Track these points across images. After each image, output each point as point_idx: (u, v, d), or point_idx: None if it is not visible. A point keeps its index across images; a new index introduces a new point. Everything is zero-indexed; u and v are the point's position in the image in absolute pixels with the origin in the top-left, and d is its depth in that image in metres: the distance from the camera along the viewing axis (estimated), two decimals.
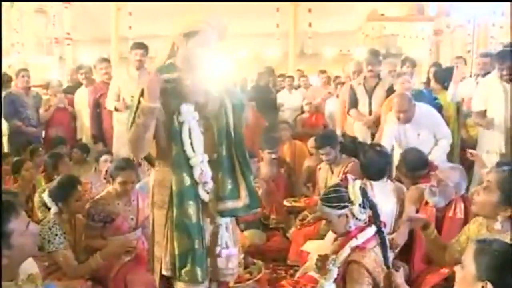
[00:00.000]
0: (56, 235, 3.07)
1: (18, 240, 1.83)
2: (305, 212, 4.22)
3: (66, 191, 3.21)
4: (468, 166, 4.46)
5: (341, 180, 2.70)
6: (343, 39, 13.47)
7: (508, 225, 2.25)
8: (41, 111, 6.04)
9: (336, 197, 2.58)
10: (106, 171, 3.50)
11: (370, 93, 5.20)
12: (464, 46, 9.08)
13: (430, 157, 4.26)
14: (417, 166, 3.70)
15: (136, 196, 3.46)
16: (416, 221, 2.89)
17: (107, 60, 5.98)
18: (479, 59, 5.35)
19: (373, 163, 3.58)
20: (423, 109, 4.47)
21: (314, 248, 3.43)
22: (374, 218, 2.61)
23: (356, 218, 2.56)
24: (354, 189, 2.57)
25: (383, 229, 2.65)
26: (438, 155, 4.33)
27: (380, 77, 5.28)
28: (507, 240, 2.17)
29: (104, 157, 4.73)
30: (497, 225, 2.28)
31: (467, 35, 8.97)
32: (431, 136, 4.39)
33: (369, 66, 5.19)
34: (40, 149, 5.14)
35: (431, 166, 3.96)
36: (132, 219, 3.37)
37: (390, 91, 5.12)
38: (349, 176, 2.66)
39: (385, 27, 12.17)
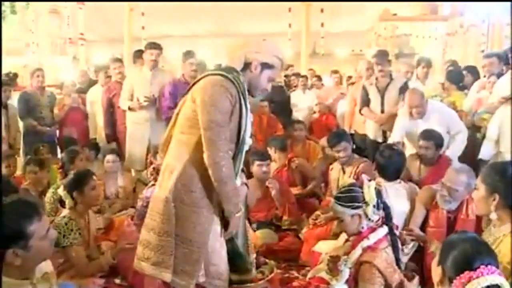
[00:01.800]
0: (72, 230, 3.11)
1: (37, 243, 1.84)
2: (318, 212, 4.22)
3: (81, 180, 3.29)
4: (474, 163, 4.50)
5: (356, 180, 2.70)
6: (355, 39, 13.42)
7: (506, 216, 2.26)
8: (55, 110, 6.10)
9: (351, 196, 2.59)
10: (154, 168, 3.52)
11: (382, 92, 5.23)
12: (478, 46, 8.99)
13: (447, 152, 4.28)
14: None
15: None
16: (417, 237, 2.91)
17: (120, 60, 6.04)
18: (485, 60, 5.33)
19: (391, 163, 3.57)
20: (435, 105, 4.51)
21: (326, 249, 3.43)
22: (387, 220, 2.61)
23: (369, 219, 2.56)
24: (369, 190, 2.57)
25: (395, 231, 2.64)
26: (456, 150, 4.37)
27: (392, 77, 5.30)
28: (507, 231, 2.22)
29: (108, 156, 4.77)
30: (493, 215, 2.30)
31: (481, 35, 8.89)
32: (444, 132, 4.37)
33: (379, 67, 5.21)
34: (41, 147, 5.23)
35: (444, 160, 3.96)
36: None
37: (403, 90, 5.13)
38: (365, 177, 2.66)
39: (398, 27, 12.07)
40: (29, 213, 1.84)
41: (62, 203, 3.32)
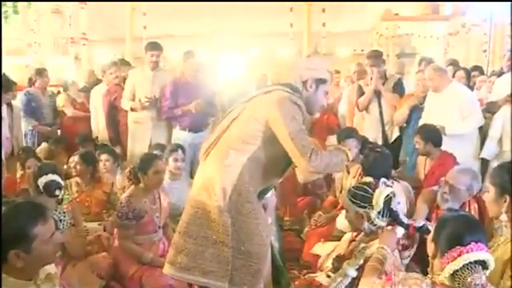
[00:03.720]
0: (65, 213, 3.13)
1: (40, 246, 1.81)
2: (319, 212, 4.23)
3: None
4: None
5: (374, 182, 2.69)
6: (357, 39, 13.41)
7: None
8: (69, 111, 6.06)
9: (361, 195, 2.60)
10: (130, 171, 3.48)
11: (378, 93, 5.19)
12: (480, 45, 8.98)
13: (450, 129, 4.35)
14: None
15: (159, 194, 3.47)
16: None
17: (115, 64, 5.90)
18: (509, 54, 5.34)
19: (376, 166, 3.56)
20: (458, 86, 4.62)
21: (324, 251, 3.42)
22: (403, 227, 2.59)
23: (372, 223, 2.56)
24: (380, 195, 2.56)
25: (420, 225, 2.63)
26: (458, 130, 4.44)
27: (386, 77, 5.30)
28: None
29: (102, 156, 4.63)
30: (503, 217, 2.35)
31: (483, 35, 8.87)
32: (456, 113, 4.45)
33: (374, 68, 5.18)
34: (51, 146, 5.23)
35: (446, 156, 4.02)
36: (157, 217, 3.39)
37: (397, 86, 5.18)
38: (382, 181, 2.66)
39: (400, 27, 12.06)
40: (34, 215, 1.82)
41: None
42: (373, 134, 5.25)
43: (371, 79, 5.24)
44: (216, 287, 2.45)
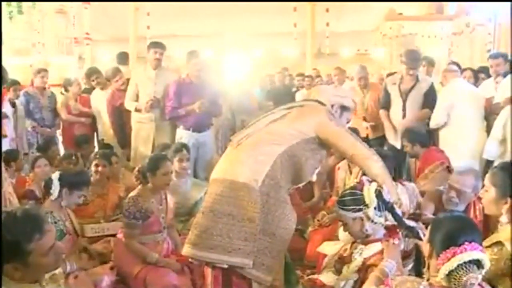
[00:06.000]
0: (56, 223, 3.08)
1: (37, 260, 1.77)
2: (323, 212, 4.22)
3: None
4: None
5: (358, 183, 2.70)
6: (361, 39, 13.41)
7: None
8: (63, 114, 6.05)
9: (351, 200, 2.59)
10: (139, 170, 3.44)
11: (405, 96, 4.98)
12: (484, 45, 8.95)
13: None
14: None
15: (165, 195, 3.48)
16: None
17: (119, 70, 5.86)
18: (491, 61, 5.15)
19: None
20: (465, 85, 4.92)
21: (330, 250, 3.41)
22: (396, 220, 2.59)
23: (372, 221, 2.55)
24: (369, 192, 2.56)
25: (411, 225, 2.63)
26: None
27: (418, 79, 5.02)
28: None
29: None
30: (503, 218, 2.37)
31: (488, 35, 8.84)
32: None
33: (410, 71, 4.92)
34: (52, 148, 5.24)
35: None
36: (163, 217, 3.39)
37: (428, 95, 4.93)
38: (365, 179, 2.66)
39: (404, 27, 12.02)
40: (29, 230, 1.75)
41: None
42: (391, 137, 5.15)
43: (402, 77, 5.02)
44: (241, 265, 2.50)
